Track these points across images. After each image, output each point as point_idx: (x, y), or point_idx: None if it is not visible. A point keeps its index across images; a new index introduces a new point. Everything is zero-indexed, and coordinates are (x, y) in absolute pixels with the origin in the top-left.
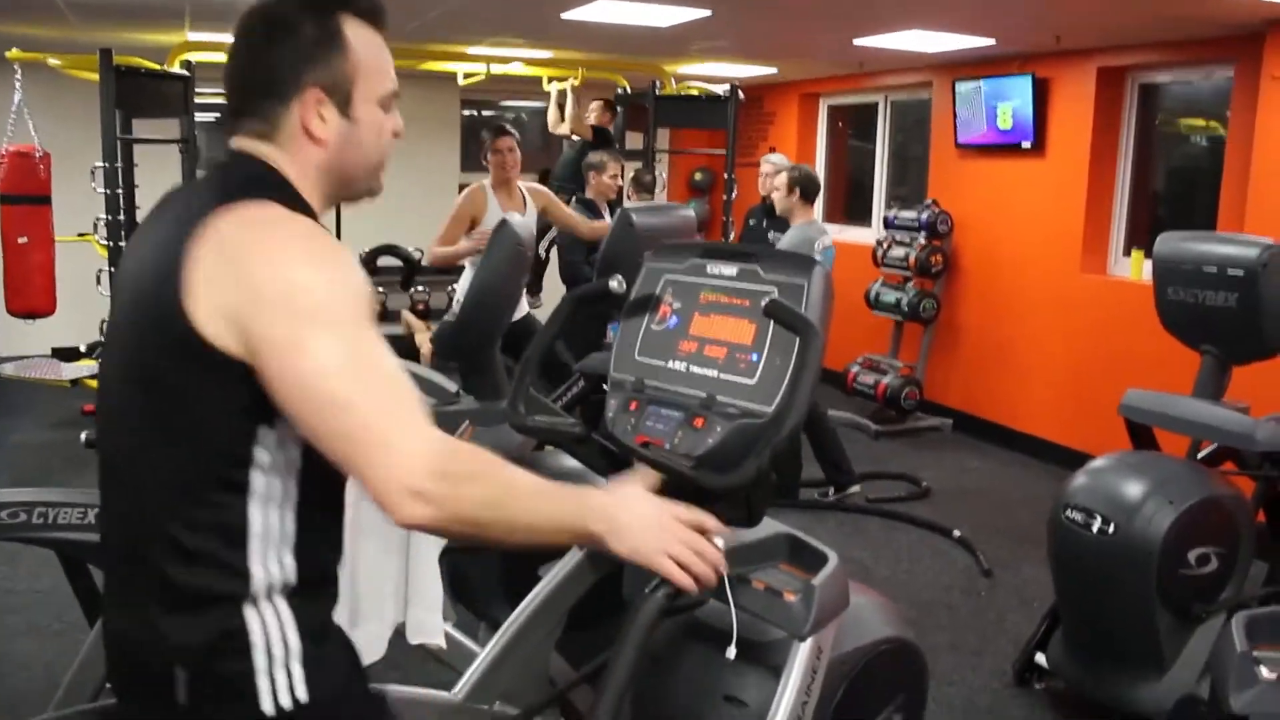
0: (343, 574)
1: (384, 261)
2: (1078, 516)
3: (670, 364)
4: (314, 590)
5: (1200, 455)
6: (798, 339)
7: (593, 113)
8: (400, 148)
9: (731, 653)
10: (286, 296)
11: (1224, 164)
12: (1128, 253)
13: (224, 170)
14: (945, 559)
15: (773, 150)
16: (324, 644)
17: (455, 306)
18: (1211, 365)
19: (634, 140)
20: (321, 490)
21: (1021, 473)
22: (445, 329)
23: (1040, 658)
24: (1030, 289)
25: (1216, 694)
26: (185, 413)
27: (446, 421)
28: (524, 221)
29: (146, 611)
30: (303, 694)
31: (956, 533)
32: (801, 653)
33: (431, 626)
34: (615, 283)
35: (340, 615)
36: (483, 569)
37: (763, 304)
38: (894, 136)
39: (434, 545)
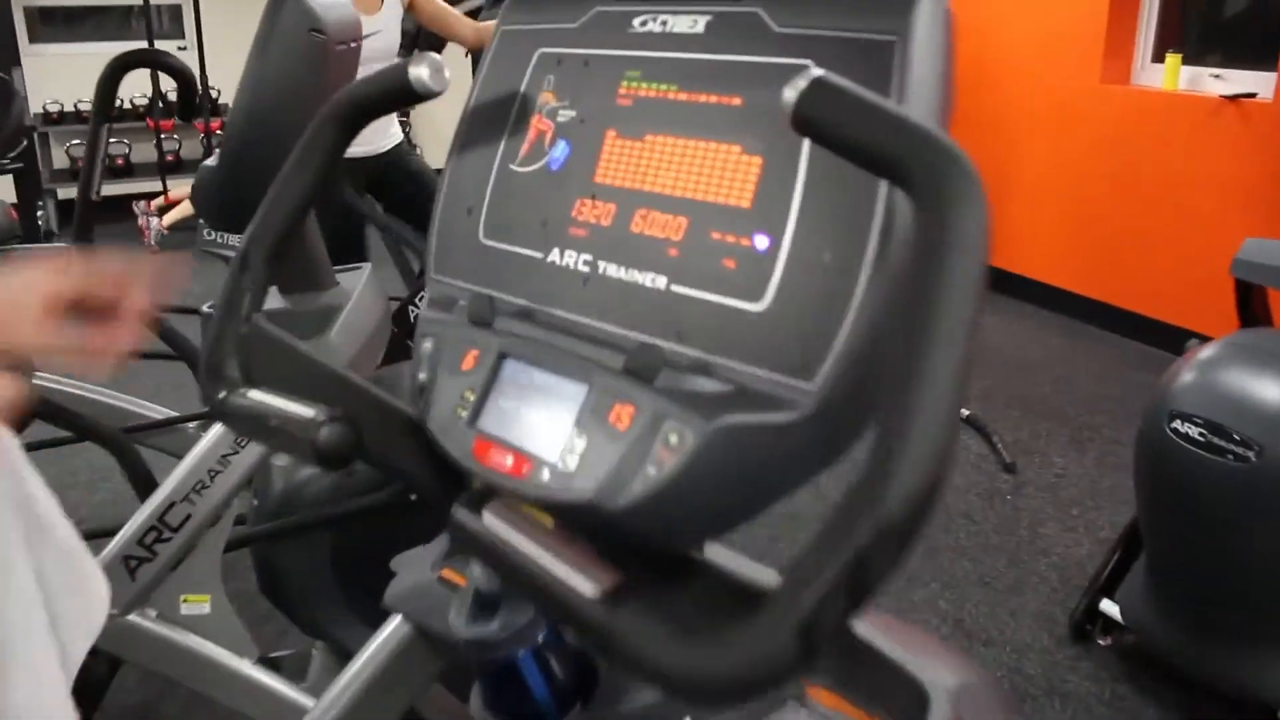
0: None
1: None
2: (1192, 432)
3: (553, 258)
4: None
5: None
6: (899, 192)
7: None
8: None
9: None
10: None
11: None
12: (1159, 58)
13: None
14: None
15: None
16: None
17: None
18: None
19: None
20: None
21: (1030, 326)
22: (205, 177)
23: (1108, 605)
24: (1036, 103)
25: None
26: None
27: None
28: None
29: None
30: None
31: (965, 412)
32: None
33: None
34: (424, 69)
35: None
36: (306, 561)
37: (785, 97)
38: None
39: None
